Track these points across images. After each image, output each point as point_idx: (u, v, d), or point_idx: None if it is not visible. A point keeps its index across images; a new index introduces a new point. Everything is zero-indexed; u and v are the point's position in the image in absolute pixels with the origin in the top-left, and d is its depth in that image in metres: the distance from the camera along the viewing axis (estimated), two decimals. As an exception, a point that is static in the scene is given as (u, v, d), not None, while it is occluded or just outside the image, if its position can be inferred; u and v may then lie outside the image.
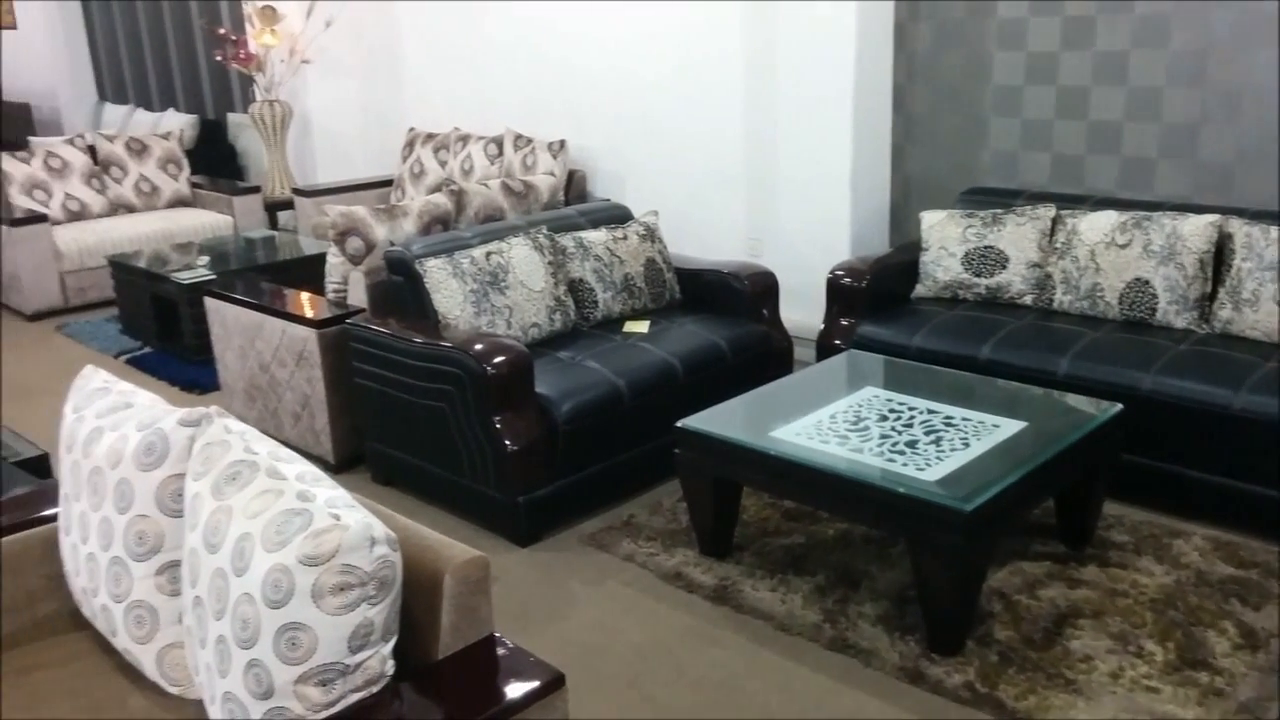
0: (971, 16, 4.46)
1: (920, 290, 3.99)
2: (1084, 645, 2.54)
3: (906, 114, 4.74)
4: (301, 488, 1.55)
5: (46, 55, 9.82)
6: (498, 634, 1.68)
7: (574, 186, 5.32)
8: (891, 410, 2.96)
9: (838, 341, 3.80)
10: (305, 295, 3.87)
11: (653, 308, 3.90)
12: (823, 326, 3.93)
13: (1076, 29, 4.17)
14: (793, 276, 4.49)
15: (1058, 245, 3.77)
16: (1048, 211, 3.85)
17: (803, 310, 4.52)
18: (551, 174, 4.97)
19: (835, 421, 2.90)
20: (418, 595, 1.61)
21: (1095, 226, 3.66)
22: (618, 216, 4.12)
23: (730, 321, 3.79)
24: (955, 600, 2.49)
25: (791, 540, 3.10)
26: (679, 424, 2.95)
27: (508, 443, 3.04)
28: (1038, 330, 3.56)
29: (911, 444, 2.73)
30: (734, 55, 4.72)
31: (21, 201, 6.10)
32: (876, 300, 3.86)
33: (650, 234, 3.99)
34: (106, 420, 1.86)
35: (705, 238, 4.91)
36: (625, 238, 3.90)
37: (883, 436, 2.78)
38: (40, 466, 3.07)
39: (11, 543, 1.99)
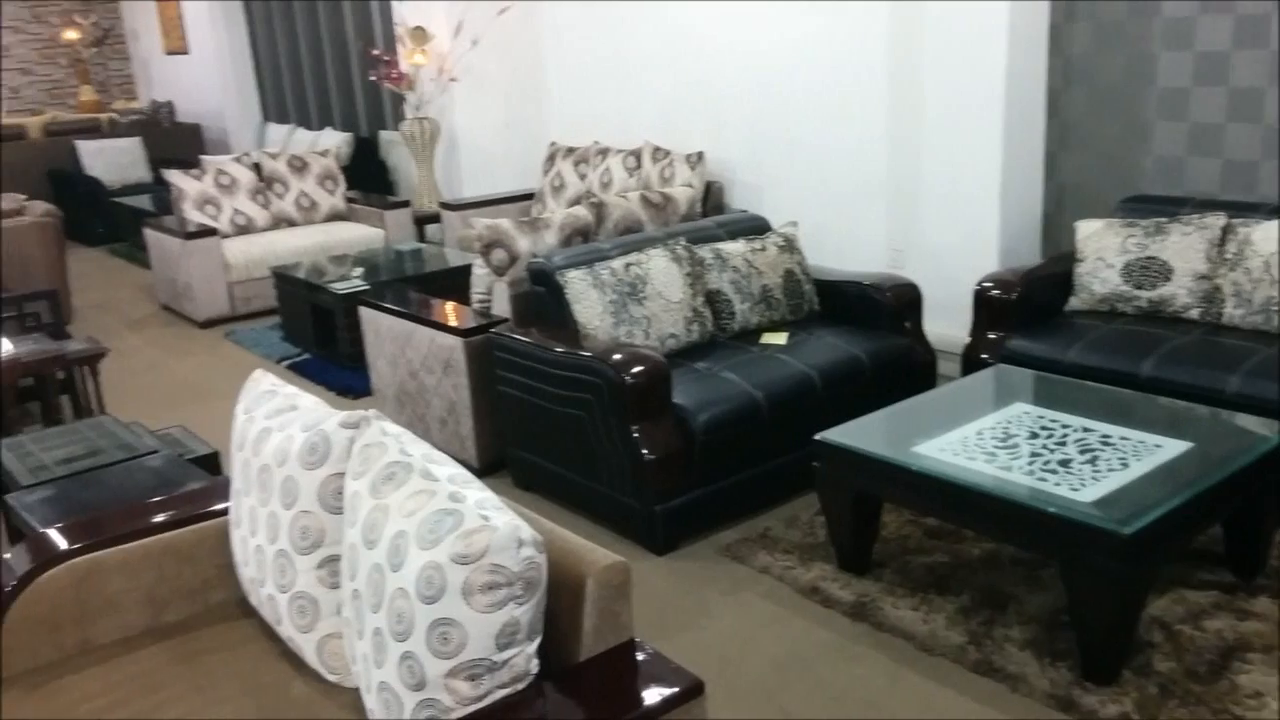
0: (1133, 16, 4.26)
1: (1075, 303, 3.83)
2: (1253, 681, 2.37)
3: (1061, 119, 4.56)
4: (453, 489, 1.60)
5: (216, 79, 10.48)
6: (637, 639, 1.69)
7: (711, 198, 5.33)
8: (1043, 427, 2.84)
9: (985, 356, 3.68)
10: (451, 305, 4.00)
11: (791, 319, 3.87)
12: (969, 340, 3.82)
13: (1250, 27, 3.94)
14: (937, 288, 4.38)
15: (1228, 256, 3.55)
16: (1217, 220, 3.63)
17: (947, 323, 4.40)
18: (689, 186, 5.00)
19: (982, 438, 2.80)
20: (561, 598, 1.64)
21: (1270, 236, 3.44)
22: (756, 228, 4.11)
23: (871, 334, 3.72)
24: (1112, 627, 2.37)
25: (934, 559, 3.02)
26: (818, 437, 2.92)
27: (645, 452, 3.06)
28: (1205, 346, 3.37)
29: (1065, 463, 2.62)
30: (878, 62, 4.64)
31: (194, 216, 6.52)
32: (1027, 313, 3.73)
33: (789, 245, 3.96)
34: (274, 421, 1.97)
35: (845, 249, 4.84)
36: (763, 249, 3.88)
37: (1034, 454, 2.68)
38: (212, 463, 3.27)
39: (187, 534, 2.12)
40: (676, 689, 1.59)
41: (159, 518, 2.14)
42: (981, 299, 3.78)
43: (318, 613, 1.82)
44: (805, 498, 3.38)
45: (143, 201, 8.48)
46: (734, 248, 3.86)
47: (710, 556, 3.16)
